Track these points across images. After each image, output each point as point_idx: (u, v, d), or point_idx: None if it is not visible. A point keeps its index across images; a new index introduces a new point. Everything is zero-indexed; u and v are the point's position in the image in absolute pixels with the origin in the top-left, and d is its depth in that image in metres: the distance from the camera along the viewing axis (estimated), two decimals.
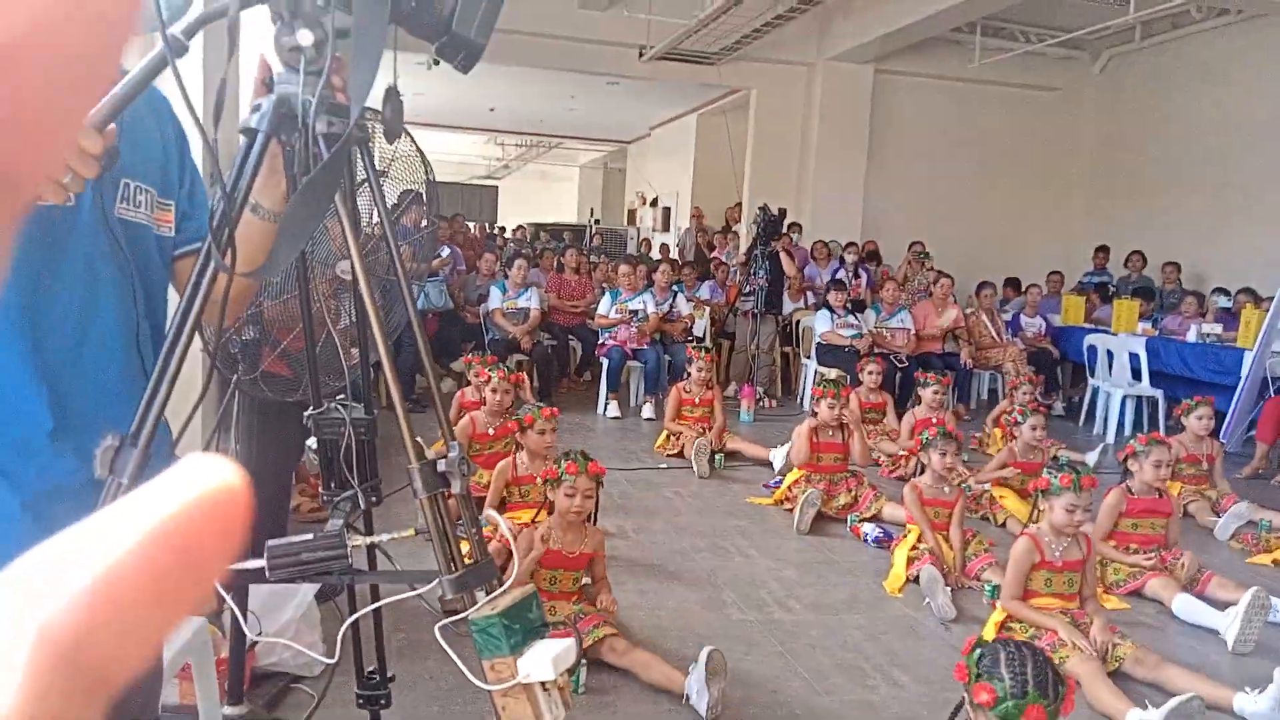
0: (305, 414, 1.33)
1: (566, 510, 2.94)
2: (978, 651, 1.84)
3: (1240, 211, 8.71)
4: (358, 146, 1.17)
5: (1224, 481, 5.00)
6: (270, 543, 1.13)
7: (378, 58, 1.05)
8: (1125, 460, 3.85)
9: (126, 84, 1.01)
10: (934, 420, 5.01)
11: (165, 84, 1.17)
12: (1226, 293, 7.79)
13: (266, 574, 1.10)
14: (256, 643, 2.40)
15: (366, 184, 2.03)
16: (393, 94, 1.13)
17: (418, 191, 2.12)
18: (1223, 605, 3.44)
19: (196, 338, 1.15)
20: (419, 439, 1.18)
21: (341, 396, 1.32)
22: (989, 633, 3.09)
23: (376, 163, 2.06)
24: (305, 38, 1.06)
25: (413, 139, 1.78)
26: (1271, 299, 6.35)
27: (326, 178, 1.03)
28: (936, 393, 5.51)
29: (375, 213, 1.24)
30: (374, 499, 1.37)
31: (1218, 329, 7.03)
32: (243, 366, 2.13)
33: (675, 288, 7.79)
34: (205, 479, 0.19)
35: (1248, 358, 6.17)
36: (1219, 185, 9.01)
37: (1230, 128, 8.92)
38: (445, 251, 7.04)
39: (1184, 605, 3.51)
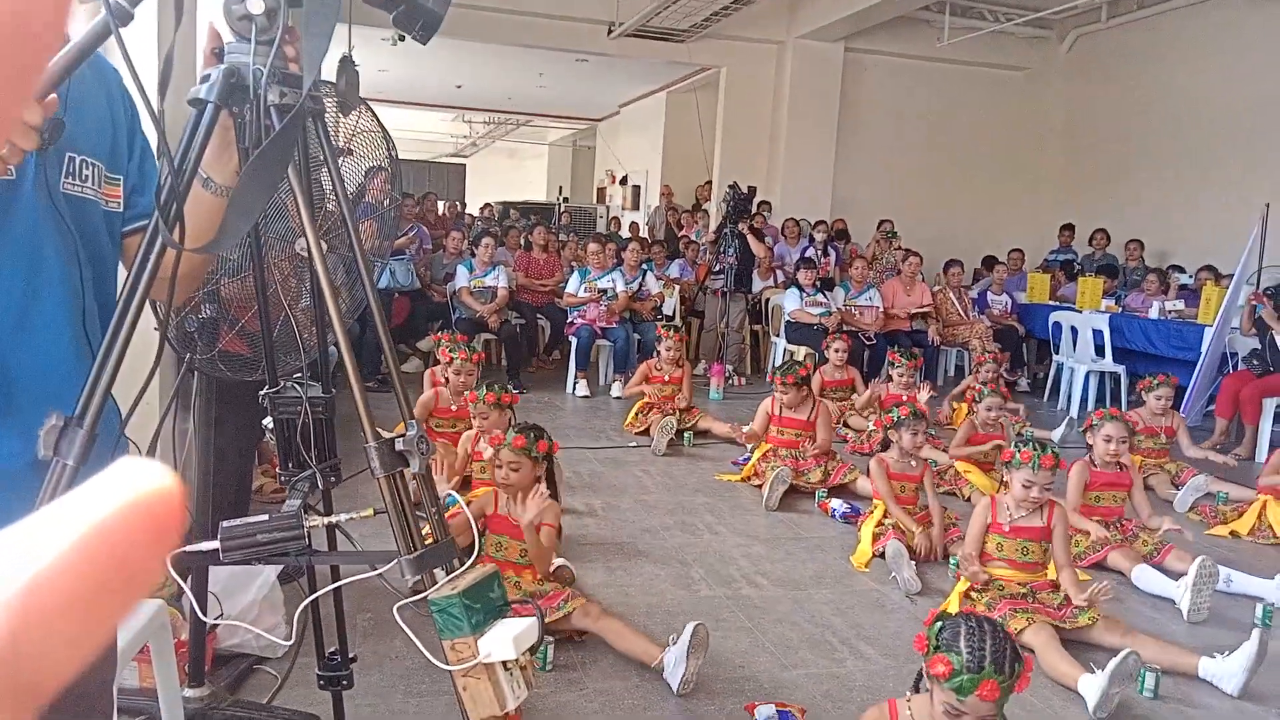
0: (261, 393, 1.31)
1: (497, 480, 2.98)
2: (939, 624, 1.85)
3: (1203, 190, 8.83)
4: (312, 119, 1.14)
5: (1196, 450, 5.09)
6: (224, 524, 1.10)
7: (331, 27, 1.02)
8: (1085, 433, 3.93)
9: (67, 53, 0.97)
10: (904, 398, 5.06)
11: (114, 55, 1.13)
12: (1183, 270, 7.91)
13: (220, 556, 1.08)
14: (217, 625, 2.37)
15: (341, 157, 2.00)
16: (347, 64, 1.10)
17: (381, 166, 2.09)
18: (1178, 576, 3.52)
19: (147, 315, 1.12)
20: (381, 420, 1.17)
21: (298, 375, 1.30)
22: (953, 604, 3.13)
23: (342, 140, 2.03)
24: (256, 5, 1.03)
25: (374, 114, 1.75)
26: (1231, 276, 6.46)
27: (278, 150, 1.00)
28: (902, 374, 5.56)
29: (337, 191, 1.21)
30: (333, 479, 1.35)
31: (1179, 305, 7.15)
32: (200, 345, 2.09)
33: (645, 266, 7.77)
34: (138, 483, 0.18)
35: (1208, 334, 6.28)
36: (1183, 164, 9.12)
37: (1195, 107, 9.02)
38: (412, 230, 6.96)
39: (1142, 575, 3.59)
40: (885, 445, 4.02)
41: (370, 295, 1.17)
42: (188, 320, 2.12)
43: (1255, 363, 6.06)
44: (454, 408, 4.44)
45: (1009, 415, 5.09)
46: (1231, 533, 4.33)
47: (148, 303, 1.14)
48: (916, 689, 1.92)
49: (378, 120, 1.66)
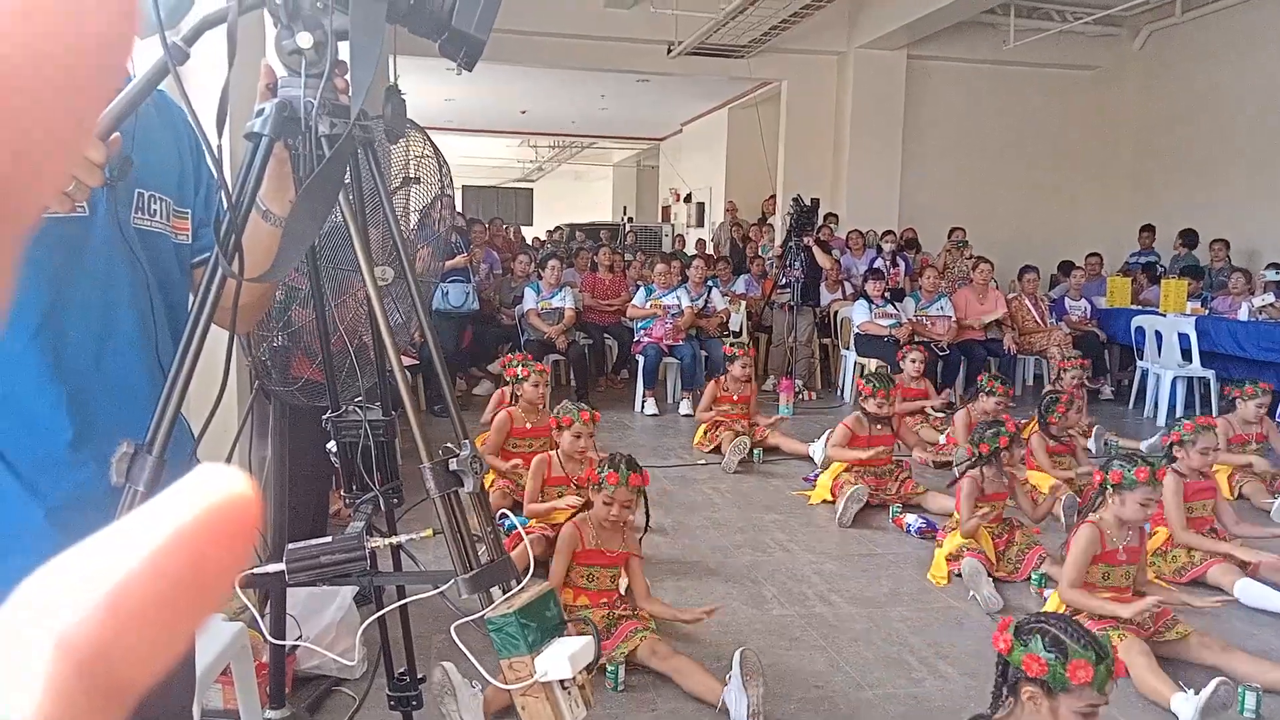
0: (324, 417, 1.33)
1: (603, 518, 2.93)
2: (1037, 639, 1.78)
3: None
4: (363, 148, 1.17)
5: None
6: (290, 546, 1.13)
7: (376, 57, 1.04)
8: (1171, 446, 3.74)
9: (128, 93, 1.01)
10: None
11: (175, 93, 1.18)
12: (1277, 267, 7.56)
13: (286, 578, 1.10)
14: (296, 646, 2.42)
15: (405, 185, 2.04)
16: (393, 93, 1.13)
17: (445, 192, 2.13)
18: None
19: (215, 343, 1.15)
20: (443, 442, 1.18)
21: (359, 399, 1.32)
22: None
23: (412, 169, 2.08)
24: (305, 40, 1.06)
25: (429, 138, 1.78)
26: None
27: (327, 179, 1.03)
28: (999, 402, 5.30)
29: (387, 215, 1.23)
30: (395, 500, 1.37)
31: (1270, 299, 6.83)
32: (273, 372, 2.15)
33: (710, 282, 7.75)
34: (216, 489, 0.19)
35: None
36: (1265, 158, 8.75)
37: (1274, 99, 8.66)
38: (462, 252, 7.05)
39: (1246, 589, 3.41)
40: (974, 464, 3.82)
41: (422, 318, 1.18)
42: (260, 348, 2.18)
43: None
44: (529, 425, 4.51)
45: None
46: None
47: (234, 335, 1.18)
48: (995, 707, 1.85)
49: (432, 144, 1.69)
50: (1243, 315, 6.86)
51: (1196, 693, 2.51)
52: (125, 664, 0.18)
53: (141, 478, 1.03)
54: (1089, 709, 1.71)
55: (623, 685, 2.70)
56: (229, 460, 1.42)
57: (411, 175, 2.11)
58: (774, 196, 10.96)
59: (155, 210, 1.24)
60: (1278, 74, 8.67)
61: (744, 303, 8.26)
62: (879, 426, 4.69)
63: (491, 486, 4.41)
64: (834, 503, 4.49)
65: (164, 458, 1.06)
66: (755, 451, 5.46)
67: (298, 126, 1.08)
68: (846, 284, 8.38)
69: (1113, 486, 2.97)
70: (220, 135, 1.07)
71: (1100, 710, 1.73)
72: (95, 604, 0.18)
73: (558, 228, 16.43)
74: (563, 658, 1.03)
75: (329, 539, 1.17)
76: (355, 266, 2.00)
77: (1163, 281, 7.79)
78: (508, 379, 4.77)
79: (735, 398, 5.77)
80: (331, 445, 1.33)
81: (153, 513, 0.19)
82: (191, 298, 1.30)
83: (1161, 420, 6.58)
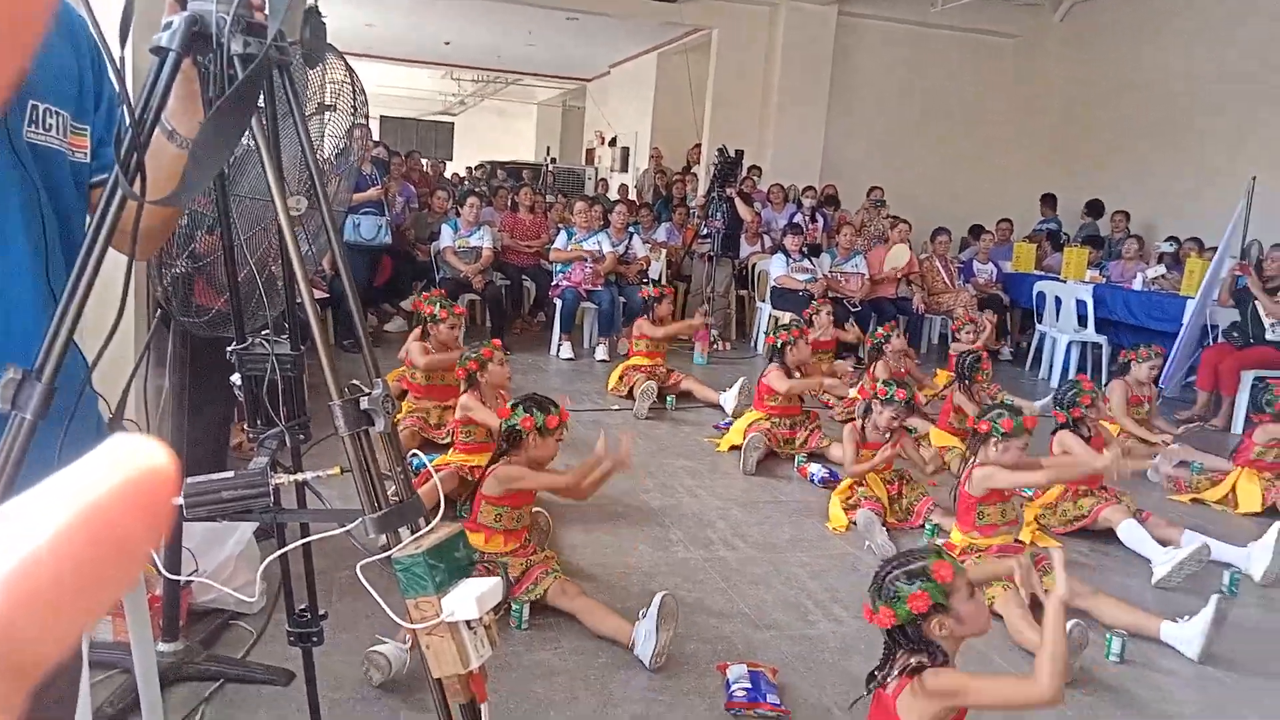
0: (228, 349, 1.30)
1: (550, 454, 2.98)
2: (894, 586, 1.80)
3: (1191, 163, 8.83)
4: (279, 71, 1.12)
5: (1161, 421, 5.17)
6: (189, 480, 1.10)
7: None
8: (1064, 407, 3.92)
9: None
10: (902, 371, 5.17)
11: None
12: (1177, 240, 7.93)
13: (185, 512, 1.08)
14: (191, 580, 2.38)
15: (320, 112, 1.97)
16: (313, 14, 1.08)
17: (360, 122, 2.06)
18: (1164, 544, 3.57)
19: (110, 268, 1.10)
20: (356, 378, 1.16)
21: (266, 331, 1.29)
22: None
23: (328, 96, 2.00)
24: None
25: (348, 65, 1.72)
26: (1215, 249, 6.49)
27: (240, 101, 0.98)
28: (899, 336, 5.52)
29: (302, 143, 1.19)
30: (301, 436, 1.34)
31: (1160, 270, 7.18)
32: (176, 302, 2.07)
33: (632, 229, 7.73)
34: (131, 461, 0.18)
35: (1189, 306, 6.31)
36: (1171, 136, 9.11)
37: (1184, 79, 9.00)
38: (375, 184, 6.85)
39: (1129, 531, 3.63)
40: (867, 413, 4.01)
41: (337, 251, 1.15)
42: (164, 275, 2.10)
43: (1235, 335, 6.11)
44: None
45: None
46: (1193, 499, 4.40)
47: (134, 260, 1.13)
48: (929, 657, 1.86)
49: (351, 71, 1.63)
50: (1137, 285, 7.19)
51: None
52: (31, 643, 0.18)
53: (29, 405, 0.99)
54: (969, 590, 1.81)
55: (527, 624, 2.74)
56: (127, 389, 1.37)
57: (328, 102, 2.04)
58: (699, 146, 10.93)
59: (51, 125, 1.17)
60: (1189, 53, 8.99)
61: (664, 251, 8.27)
62: (798, 374, 4.80)
63: (400, 426, 4.36)
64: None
65: (54, 385, 1.02)
66: (668, 398, 5.52)
67: (209, 44, 1.03)
68: (766, 237, 8.46)
69: (1003, 435, 3.14)
70: (123, 47, 1.01)
71: (979, 590, 1.88)
72: (3, 579, 0.17)
73: (479, 165, 16.08)
74: (470, 598, 1.04)
75: (231, 473, 1.14)
76: (267, 195, 1.93)
77: (1065, 249, 8.10)
78: (422, 316, 4.70)
79: (656, 320, 5.83)
80: (235, 378, 1.30)
81: (62, 485, 0.18)
82: (89, 219, 1.24)
83: (1055, 381, 6.89)
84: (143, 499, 0.18)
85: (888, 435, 3.93)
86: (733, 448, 4.71)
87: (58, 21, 1.18)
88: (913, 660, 1.83)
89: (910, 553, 1.91)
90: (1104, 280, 7.51)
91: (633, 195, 11.16)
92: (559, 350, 6.88)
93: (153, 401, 2.07)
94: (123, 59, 1.05)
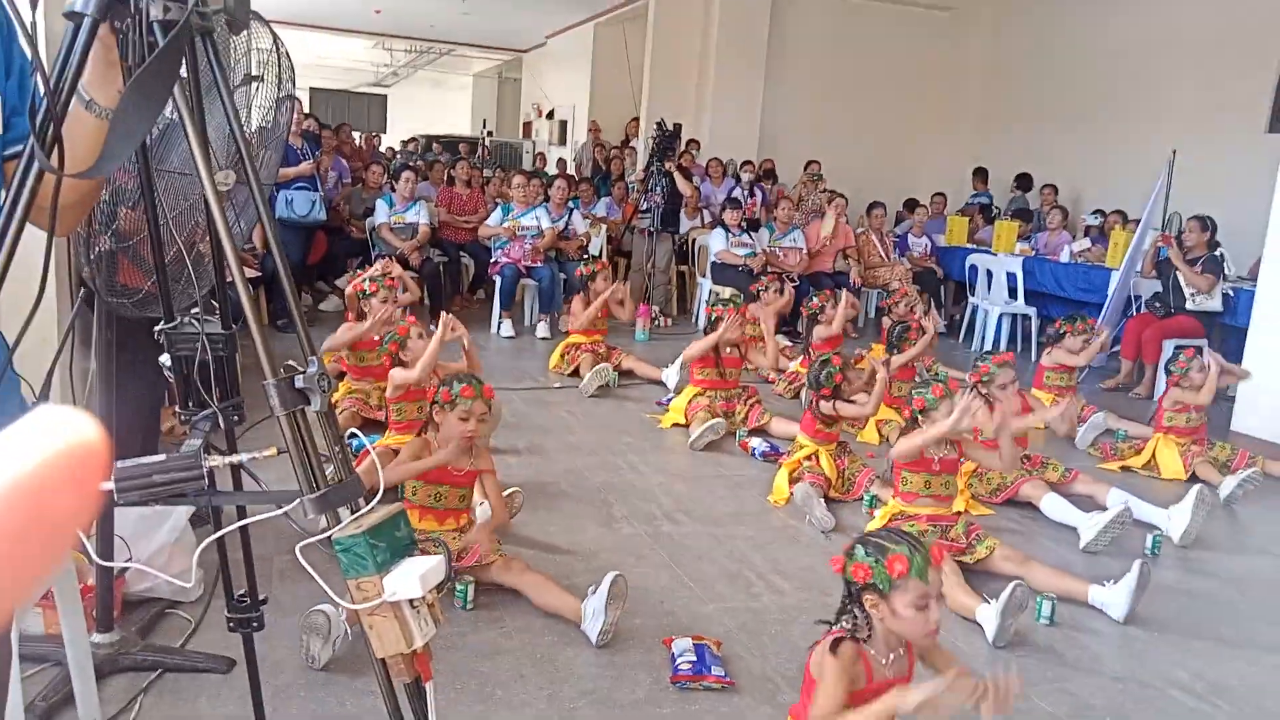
0: (156, 329, 1.25)
1: (459, 434, 2.84)
2: (859, 548, 1.86)
3: (1115, 135, 9.06)
4: (201, 38, 1.08)
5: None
6: (119, 464, 1.06)
7: None
8: (976, 385, 3.98)
9: None
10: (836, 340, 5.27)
11: None
12: (1103, 213, 8.15)
13: (116, 498, 1.04)
14: (125, 569, 2.31)
15: (246, 84, 1.90)
16: None
17: (291, 95, 2.00)
18: (1088, 504, 3.69)
19: (29, 245, 1.05)
20: (290, 359, 1.13)
21: (195, 310, 1.25)
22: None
23: (255, 67, 1.93)
24: None
25: (275, 34, 1.66)
26: (1139, 221, 6.68)
27: (161, 69, 0.94)
28: (832, 307, 5.56)
29: (228, 114, 1.14)
30: (236, 418, 1.31)
31: (1086, 244, 7.39)
32: (99, 280, 2.00)
33: (571, 204, 7.67)
34: (61, 434, 0.17)
35: (1114, 277, 6.51)
36: (1096, 109, 9.33)
37: (1108, 52, 9.20)
38: (307, 159, 6.67)
39: (1051, 504, 3.75)
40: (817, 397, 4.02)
41: (267, 227, 1.12)
42: (86, 252, 2.02)
43: (1158, 305, 6.32)
44: (376, 336, 4.34)
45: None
46: (1122, 468, 4.56)
47: (53, 237, 1.08)
48: (854, 627, 1.89)
49: (277, 40, 1.58)
50: (1064, 258, 7.39)
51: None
52: None
53: None
54: (920, 600, 1.79)
55: (472, 604, 2.72)
56: (51, 370, 1.32)
57: (254, 73, 1.97)
58: (638, 119, 10.88)
59: None
60: (1112, 26, 9.20)
61: (604, 226, 8.23)
62: (729, 350, 4.82)
63: (339, 408, 4.28)
64: (686, 426, 4.61)
65: None
66: (611, 375, 5.52)
67: (126, 9, 0.99)
68: (705, 212, 8.47)
69: (920, 413, 3.21)
70: (34, 11, 0.96)
71: (933, 603, 1.81)
72: None
73: (413, 138, 15.78)
74: (413, 577, 1.02)
75: (163, 457, 1.11)
76: (190, 169, 1.86)
77: (996, 223, 8.27)
78: (358, 294, 4.56)
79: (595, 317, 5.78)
80: (165, 359, 1.26)
81: None
82: (3, 194, 1.18)
83: (986, 350, 7.05)
84: (72, 472, 0.18)
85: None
86: (675, 425, 4.73)
87: None
88: (842, 620, 1.88)
89: (898, 531, 1.91)
90: (1033, 253, 7.69)
91: (571, 169, 11.07)
92: (499, 328, 6.82)
93: (79, 384, 2.00)
94: (34, 24, 1.00)
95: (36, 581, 0.18)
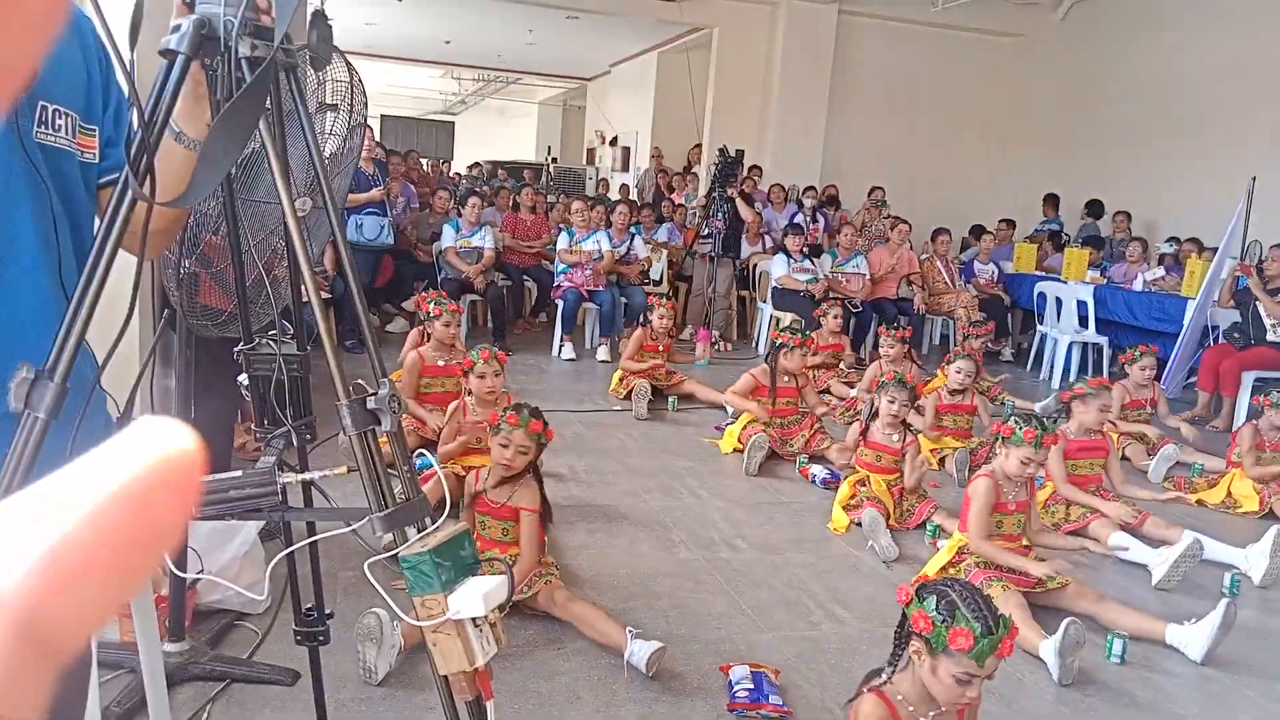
0: (235, 349, 1.30)
1: (497, 459, 2.88)
2: (933, 598, 1.80)
3: (1191, 162, 8.83)
4: (286, 74, 1.13)
5: (1173, 418, 5.16)
6: None
7: None
8: (1070, 401, 3.95)
9: None
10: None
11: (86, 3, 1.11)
12: (1177, 240, 7.93)
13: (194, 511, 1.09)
14: (198, 580, 2.38)
15: (322, 112, 1.97)
16: (320, 19, 1.09)
17: (363, 122, 2.07)
18: (1157, 542, 3.57)
19: (121, 269, 1.11)
20: (362, 379, 1.17)
21: (273, 332, 1.30)
22: (931, 572, 3.16)
23: (329, 95, 2.00)
24: None
25: (351, 65, 1.73)
26: (1215, 249, 6.49)
27: (248, 104, 0.99)
28: (892, 346, 5.50)
29: (309, 143, 1.19)
30: (308, 436, 1.35)
31: (1160, 273, 7.19)
32: (183, 301, 2.08)
33: (633, 229, 7.73)
34: (160, 444, 0.19)
35: (1189, 306, 6.32)
36: (1172, 136, 9.11)
37: (1185, 78, 9.00)
38: (377, 185, 6.84)
39: (1119, 542, 3.64)
40: (874, 415, 4.01)
41: (342, 251, 1.16)
42: (168, 275, 2.10)
43: (1236, 336, 6.11)
44: (440, 363, 4.46)
45: (984, 384, 5.11)
46: (1198, 502, 4.40)
47: (142, 261, 1.13)
48: (894, 665, 1.89)
49: (353, 71, 1.64)
50: (1137, 286, 7.20)
51: None
52: (63, 624, 0.18)
53: (42, 404, 0.99)
54: (966, 676, 1.74)
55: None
56: (135, 388, 1.38)
57: (329, 101, 2.04)
58: (700, 145, 10.94)
59: (60, 125, 1.17)
60: (1189, 51, 8.99)
61: (665, 251, 8.28)
62: (785, 379, 4.79)
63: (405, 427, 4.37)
64: (743, 451, 4.60)
65: (66, 385, 1.02)
66: (670, 400, 5.53)
67: (217, 46, 1.04)
68: (767, 237, 8.46)
69: (1002, 439, 3.14)
70: (133, 49, 1.02)
71: (978, 682, 1.75)
72: (36, 563, 0.17)
73: (478, 164, 16.09)
74: (476, 596, 1.04)
75: (239, 473, 1.15)
76: (273, 197, 1.94)
77: (1066, 250, 8.10)
78: (421, 316, 4.71)
79: (660, 347, 5.80)
80: (243, 378, 1.31)
81: (94, 467, 0.18)
82: (98, 220, 1.24)
83: (1056, 383, 6.89)
84: (172, 480, 0.19)
85: (895, 436, 3.91)
86: (735, 450, 4.72)
87: (66, 22, 1.19)
88: (886, 667, 1.85)
89: (981, 600, 1.81)
90: (1104, 281, 7.51)
91: (633, 195, 11.17)
92: (560, 351, 6.88)
93: (159, 401, 2.08)
94: (132, 61, 1.06)
95: (138, 585, 0.19)
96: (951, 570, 3.13)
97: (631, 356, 5.72)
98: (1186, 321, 6.27)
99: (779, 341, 4.81)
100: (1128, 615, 2.99)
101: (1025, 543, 3.20)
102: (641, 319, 5.95)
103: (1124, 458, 4.85)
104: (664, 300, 5.93)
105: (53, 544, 0.18)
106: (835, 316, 6.14)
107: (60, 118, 1.17)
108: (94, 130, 1.23)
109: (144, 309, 2.99)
